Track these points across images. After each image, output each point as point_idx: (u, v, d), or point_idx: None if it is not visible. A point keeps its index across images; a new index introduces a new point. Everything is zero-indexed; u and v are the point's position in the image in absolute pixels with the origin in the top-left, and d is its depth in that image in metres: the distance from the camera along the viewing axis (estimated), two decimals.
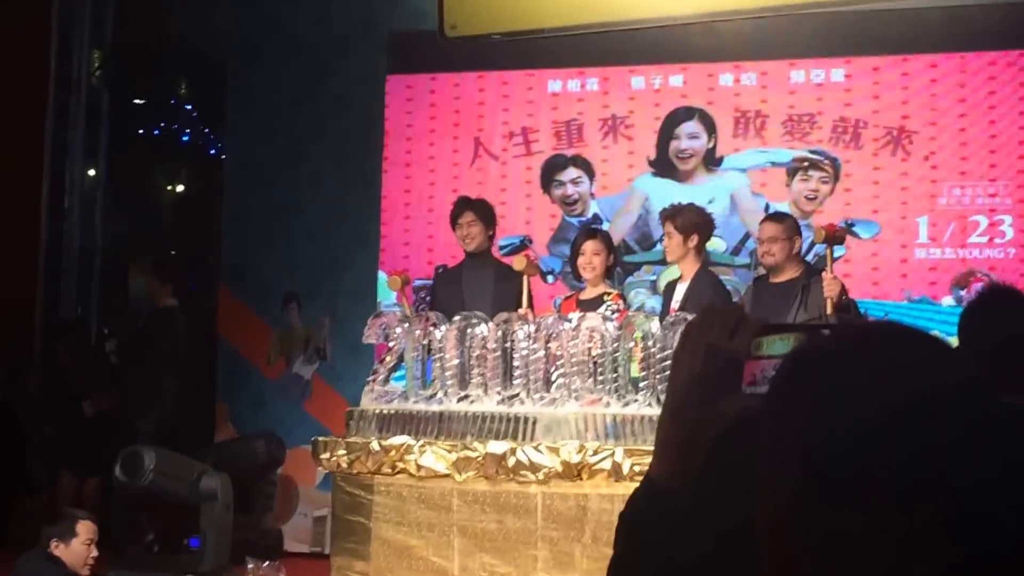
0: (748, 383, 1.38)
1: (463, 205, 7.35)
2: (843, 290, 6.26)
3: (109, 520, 6.79)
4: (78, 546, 5.74)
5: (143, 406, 8.67)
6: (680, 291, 6.83)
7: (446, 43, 8.57)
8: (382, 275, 9.07)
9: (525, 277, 6.79)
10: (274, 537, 8.58)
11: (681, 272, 6.98)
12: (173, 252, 11.23)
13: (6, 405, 8.92)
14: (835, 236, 6.51)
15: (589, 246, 6.98)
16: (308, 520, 8.90)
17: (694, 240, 6.78)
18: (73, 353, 9.20)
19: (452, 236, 8.42)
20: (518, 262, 6.83)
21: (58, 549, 5.71)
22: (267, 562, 7.05)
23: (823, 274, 6.32)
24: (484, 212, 7.30)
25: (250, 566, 7.11)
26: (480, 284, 7.07)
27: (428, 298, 7.47)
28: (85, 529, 5.79)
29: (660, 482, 1.42)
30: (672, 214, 6.89)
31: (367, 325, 6.51)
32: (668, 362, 5.82)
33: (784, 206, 8.16)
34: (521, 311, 6.62)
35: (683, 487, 1.40)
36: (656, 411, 5.76)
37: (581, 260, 6.98)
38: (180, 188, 12.37)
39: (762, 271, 7.16)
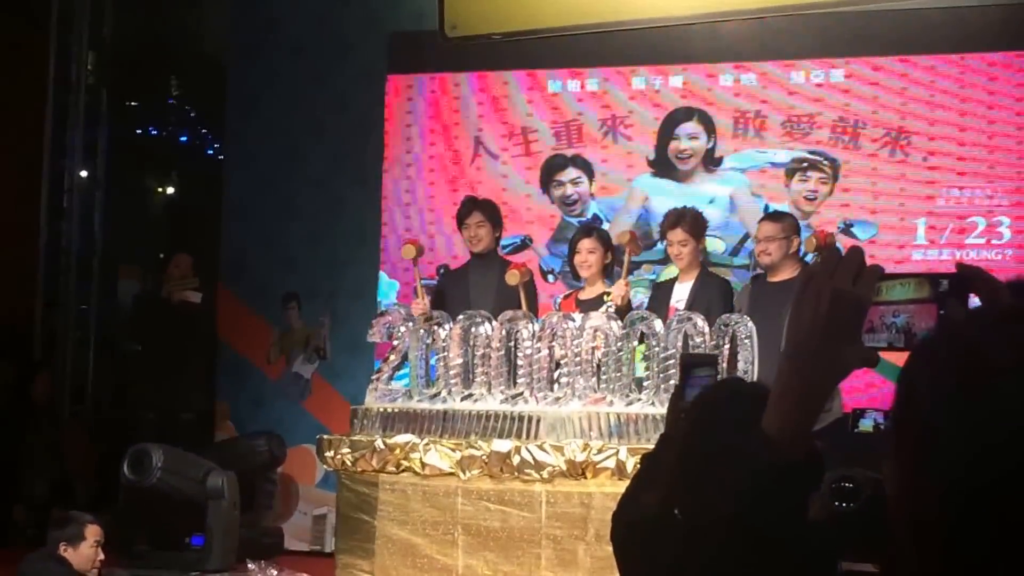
0: (867, 329, 1.38)
1: (470, 205, 7.32)
2: None
3: (116, 518, 6.81)
4: (86, 549, 5.76)
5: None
6: (680, 291, 6.86)
7: (446, 43, 8.58)
8: (383, 275, 9.09)
9: (520, 290, 6.68)
10: (275, 535, 8.60)
11: (679, 272, 7.03)
12: (162, 254, 11.23)
13: (9, 410, 8.93)
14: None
15: (585, 244, 7.01)
16: (308, 519, 8.92)
17: (702, 243, 6.93)
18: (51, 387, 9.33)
19: (453, 236, 8.46)
20: (511, 277, 6.60)
21: (67, 552, 5.73)
22: (264, 561, 7.09)
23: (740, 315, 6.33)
24: (491, 213, 7.30)
25: (250, 567, 7.13)
26: (485, 284, 7.08)
27: (430, 298, 7.47)
28: (93, 532, 5.81)
29: (775, 434, 1.38)
30: (676, 220, 6.92)
31: (371, 324, 6.54)
32: (672, 361, 5.86)
33: (783, 207, 8.17)
34: None
35: (800, 438, 1.37)
36: (660, 410, 5.79)
37: (577, 258, 7.01)
38: (179, 188, 12.38)
39: (760, 270, 7.20)
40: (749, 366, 5.85)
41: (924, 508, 1.08)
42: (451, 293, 7.15)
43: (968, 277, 1.39)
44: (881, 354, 1.45)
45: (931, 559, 1.07)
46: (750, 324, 5.96)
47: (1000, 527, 1.03)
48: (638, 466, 5.58)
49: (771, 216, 7.07)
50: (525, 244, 8.80)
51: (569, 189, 8.94)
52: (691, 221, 6.91)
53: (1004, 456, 1.03)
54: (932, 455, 1.07)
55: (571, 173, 8.94)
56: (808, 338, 1.38)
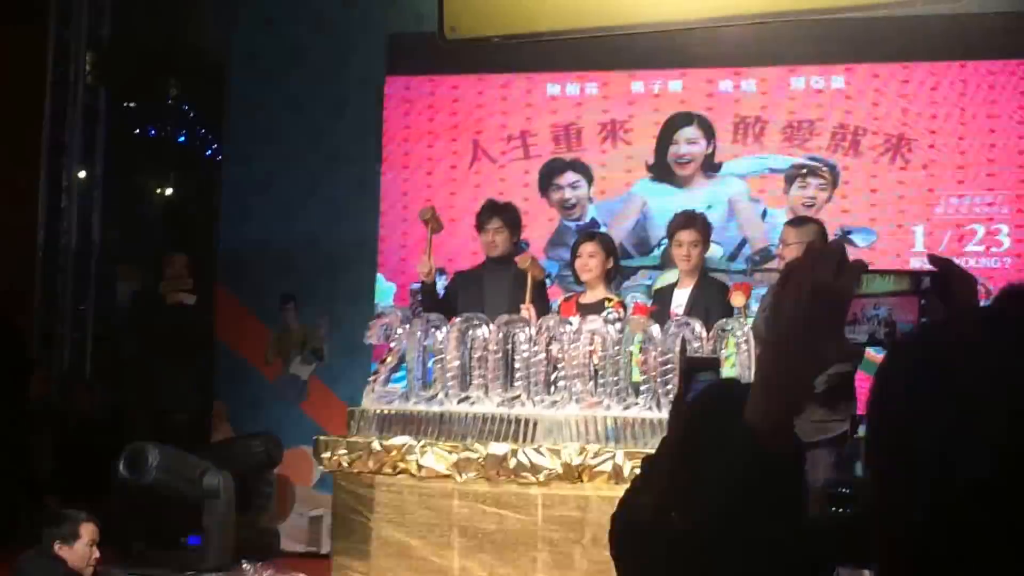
0: (849, 321, 1.39)
1: (490, 211, 7.31)
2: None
3: (112, 517, 6.79)
4: (81, 547, 5.74)
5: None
6: (680, 296, 6.86)
7: (445, 45, 8.57)
8: (380, 277, 9.08)
9: (529, 275, 6.83)
10: (271, 536, 8.59)
11: (680, 278, 7.02)
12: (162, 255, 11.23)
13: (10, 409, 8.92)
14: (750, 295, 6.66)
15: (586, 248, 7.02)
16: (304, 520, 8.90)
17: (708, 248, 6.93)
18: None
19: (450, 239, 8.45)
20: (522, 260, 6.91)
21: (62, 550, 5.71)
22: (260, 562, 7.09)
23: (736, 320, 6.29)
24: (511, 218, 7.30)
25: (246, 567, 7.12)
26: (500, 288, 7.08)
27: (421, 299, 7.46)
28: (88, 531, 5.79)
29: (756, 425, 1.38)
30: (687, 222, 6.92)
31: (369, 326, 6.52)
32: (669, 366, 5.85)
33: (782, 213, 8.18)
34: (523, 307, 6.65)
35: (781, 430, 1.37)
36: (656, 414, 5.79)
37: (578, 263, 7.02)
38: (177, 188, 12.37)
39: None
40: (746, 370, 5.84)
41: (904, 510, 1.08)
42: (465, 295, 7.13)
43: (942, 270, 1.40)
44: None
45: (914, 560, 1.07)
46: (747, 328, 5.95)
47: (982, 528, 1.02)
48: (637, 469, 5.59)
49: (792, 221, 7.02)
50: (522, 248, 8.77)
51: (568, 193, 8.93)
52: (702, 225, 6.92)
53: (985, 456, 1.03)
54: (906, 455, 1.07)
55: (570, 177, 8.93)
56: (788, 330, 1.39)
